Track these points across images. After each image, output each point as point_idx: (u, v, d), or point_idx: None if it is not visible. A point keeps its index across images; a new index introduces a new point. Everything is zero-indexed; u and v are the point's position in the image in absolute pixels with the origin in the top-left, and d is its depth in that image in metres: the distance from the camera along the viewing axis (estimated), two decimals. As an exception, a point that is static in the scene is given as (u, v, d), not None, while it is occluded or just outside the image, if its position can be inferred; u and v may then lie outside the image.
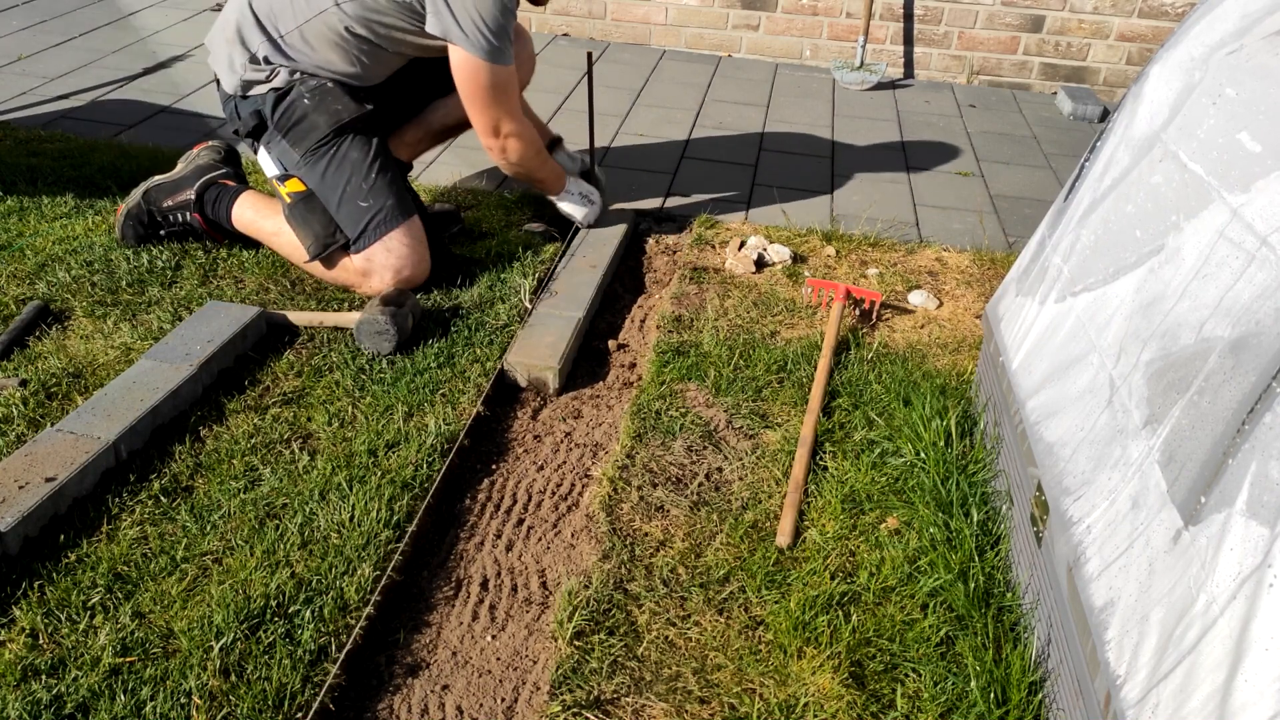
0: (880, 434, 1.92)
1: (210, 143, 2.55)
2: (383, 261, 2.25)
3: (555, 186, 2.62)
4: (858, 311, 2.43)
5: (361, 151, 2.28)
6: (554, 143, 2.75)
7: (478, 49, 2.18)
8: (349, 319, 2.16)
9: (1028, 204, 3.15)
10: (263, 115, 2.31)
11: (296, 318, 2.19)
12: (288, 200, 2.30)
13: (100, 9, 4.41)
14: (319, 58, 2.27)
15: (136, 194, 2.44)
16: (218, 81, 2.39)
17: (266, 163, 2.36)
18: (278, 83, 2.28)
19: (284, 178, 2.31)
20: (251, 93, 2.30)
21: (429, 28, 2.20)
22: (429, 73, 2.47)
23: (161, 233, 2.46)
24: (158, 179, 2.46)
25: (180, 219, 2.43)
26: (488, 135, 2.34)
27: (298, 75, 2.28)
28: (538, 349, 2.14)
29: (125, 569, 1.53)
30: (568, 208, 2.66)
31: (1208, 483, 1.05)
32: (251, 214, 2.37)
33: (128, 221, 2.43)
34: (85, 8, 4.40)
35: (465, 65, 2.22)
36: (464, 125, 2.57)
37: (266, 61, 2.28)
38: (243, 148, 2.73)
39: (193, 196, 2.41)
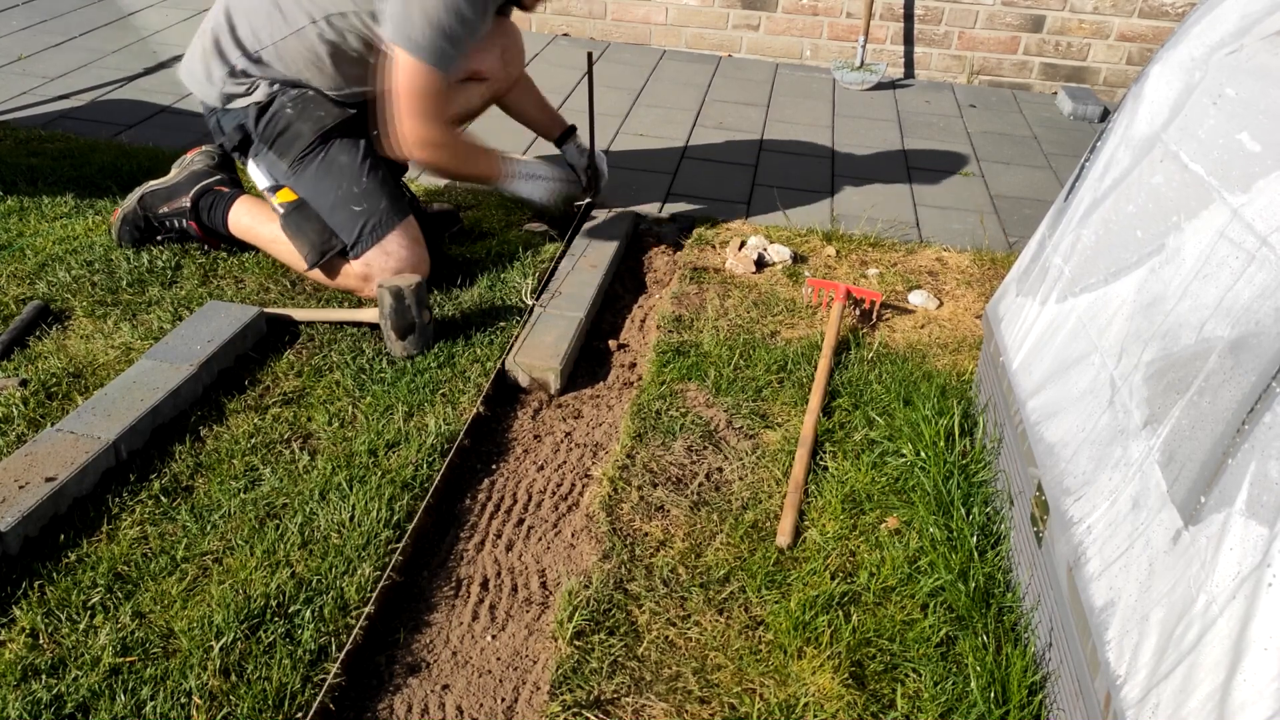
0: (880, 434, 1.92)
1: (204, 147, 2.54)
2: (381, 265, 2.24)
3: (493, 172, 2.42)
4: (858, 311, 2.43)
5: (349, 155, 2.25)
6: (567, 132, 2.74)
7: (416, 51, 2.07)
8: (360, 315, 2.18)
9: (1028, 204, 3.15)
10: (246, 130, 2.29)
11: (300, 315, 2.20)
12: (280, 210, 2.29)
13: (100, 9, 4.41)
14: (295, 74, 2.25)
15: (132, 199, 2.43)
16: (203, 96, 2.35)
17: (257, 175, 2.34)
18: (259, 96, 2.25)
19: (275, 188, 2.30)
20: (232, 105, 2.28)
21: (382, 33, 2.12)
22: None
23: (159, 238, 2.46)
24: (153, 185, 2.44)
25: (176, 225, 2.43)
26: (412, 145, 2.21)
27: (277, 86, 2.26)
28: (540, 349, 2.14)
29: (125, 569, 1.53)
30: (520, 190, 2.48)
31: (1208, 483, 1.05)
32: (248, 220, 2.36)
33: (124, 226, 2.43)
34: (85, 8, 4.40)
35: (401, 67, 2.11)
36: (462, 121, 2.56)
37: (245, 75, 2.25)
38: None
39: (188, 204, 2.40)
